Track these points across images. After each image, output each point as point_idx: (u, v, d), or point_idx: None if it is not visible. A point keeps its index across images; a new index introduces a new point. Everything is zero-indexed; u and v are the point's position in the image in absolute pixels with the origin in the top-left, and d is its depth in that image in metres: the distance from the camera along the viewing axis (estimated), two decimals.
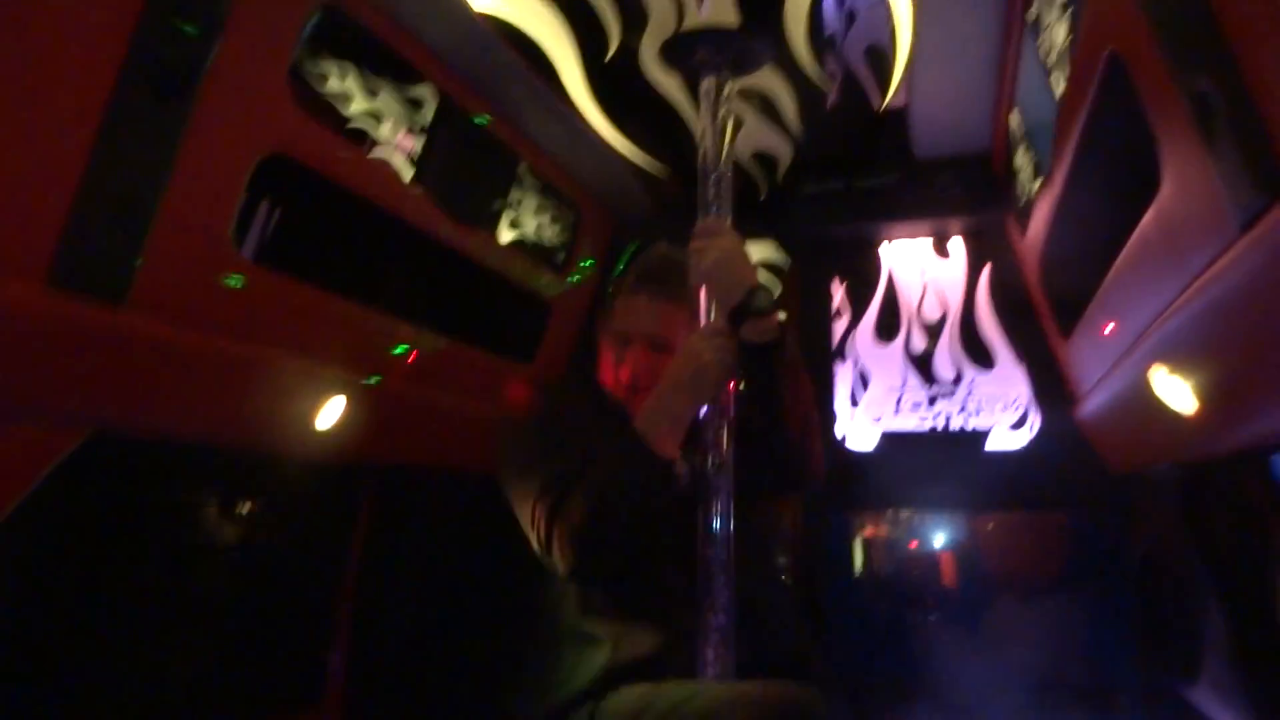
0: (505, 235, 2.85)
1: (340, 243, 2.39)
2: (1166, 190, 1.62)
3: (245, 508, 2.57)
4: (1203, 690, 2.60)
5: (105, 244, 1.57)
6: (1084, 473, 2.78)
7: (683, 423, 1.72)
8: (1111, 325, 2.04)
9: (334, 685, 2.76)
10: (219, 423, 2.06)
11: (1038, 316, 2.92)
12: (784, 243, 3.64)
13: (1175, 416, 1.94)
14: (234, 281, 1.86)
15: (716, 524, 1.72)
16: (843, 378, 3.43)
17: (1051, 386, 2.95)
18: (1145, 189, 1.70)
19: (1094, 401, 2.55)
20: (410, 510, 2.95)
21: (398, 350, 2.45)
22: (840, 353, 3.46)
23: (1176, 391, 1.76)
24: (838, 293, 3.54)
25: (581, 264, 3.29)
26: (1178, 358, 1.75)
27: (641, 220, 3.54)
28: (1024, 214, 2.82)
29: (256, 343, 2.00)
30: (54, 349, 1.57)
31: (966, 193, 3.25)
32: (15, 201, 1.42)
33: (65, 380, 1.62)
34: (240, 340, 1.95)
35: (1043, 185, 2.56)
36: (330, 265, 2.23)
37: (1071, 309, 2.48)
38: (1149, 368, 1.82)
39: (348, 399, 2.26)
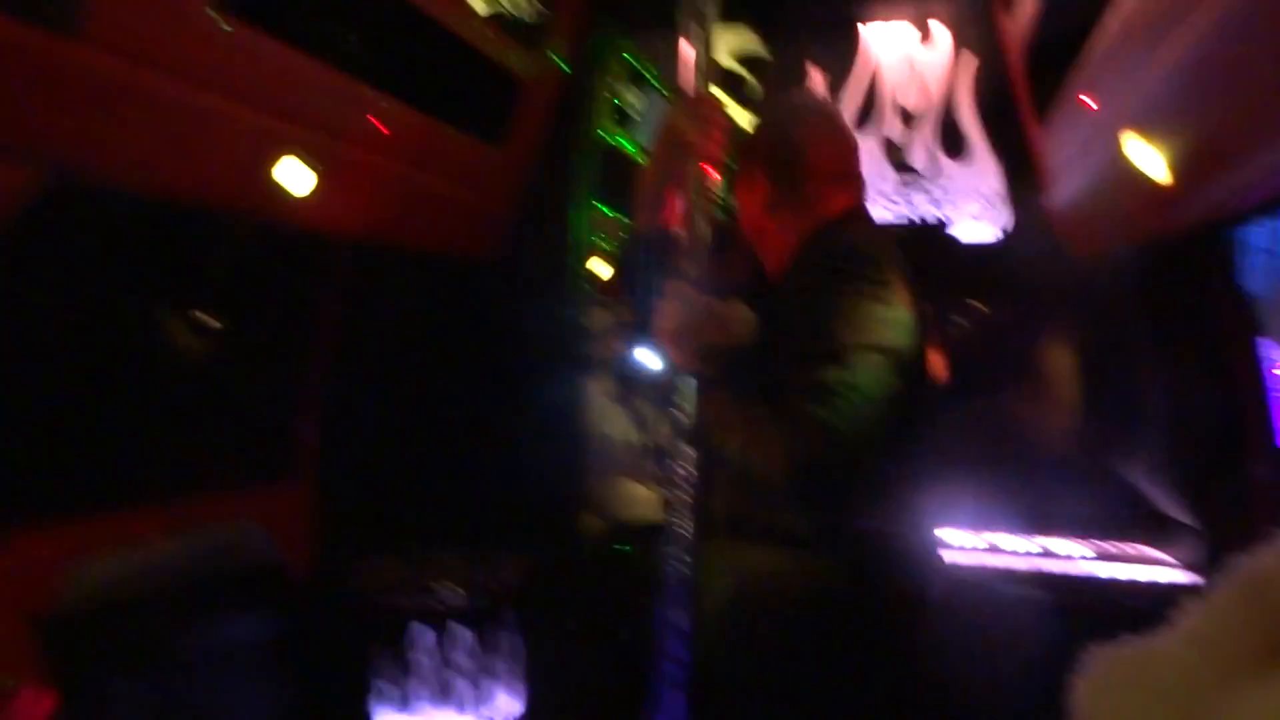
0: (479, 5, 2.73)
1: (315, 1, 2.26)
2: None
3: (214, 274, 2.55)
4: (1137, 466, 2.77)
5: None
6: (1051, 265, 2.81)
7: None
8: (1093, 99, 2.03)
9: (306, 458, 2.84)
10: (181, 175, 2.02)
11: (1016, 104, 2.89)
12: (760, 29, 3.52)
13: (1141, 192, 1.96)
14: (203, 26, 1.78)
15: None
16: None
17: (1025, 179, 2.96)
18: None
19: (1064, 187, 2.57)
20: (382, 288, 2.95)
21: (368, 117, 2.38)
22: None
23: (1149, 158, 1.77)
24: (817, 85, 3.45)
25: (558, 45, 3.18)
26: (1152, 124, 1.76)
27: (624, 7, 3.40)
28: None
29: (223, 93, 1.94)
30: (6, 78, 1.51)
31: None
32: None
33: (19, 112, 1.57)
34: (205, 88, 1.88)
35: None
36: (302, 22, 2.12)
37: (1051, 92, 2.45)
38: (1124, 136, 1.82)
39: (316, 164, 2.22)
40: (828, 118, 1.79)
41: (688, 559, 1.75)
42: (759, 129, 1.84)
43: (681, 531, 1.75)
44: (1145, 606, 2.53)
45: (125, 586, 1.98)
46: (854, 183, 1.69)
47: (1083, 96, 2.09)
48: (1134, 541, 2.77)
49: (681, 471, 1.74)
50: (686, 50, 1.69)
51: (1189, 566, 2.59)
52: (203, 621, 2.18)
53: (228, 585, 2.28)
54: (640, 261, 1.71)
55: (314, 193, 2.26)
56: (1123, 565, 2.66)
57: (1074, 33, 2.09)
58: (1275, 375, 2.27)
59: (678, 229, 1.66)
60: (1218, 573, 0.76)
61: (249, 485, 2.65)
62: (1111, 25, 1.86)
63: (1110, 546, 2.78)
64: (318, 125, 2.24)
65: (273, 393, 2.75)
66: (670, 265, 1.63)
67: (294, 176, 2.22)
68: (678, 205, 1.71)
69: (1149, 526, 2.74)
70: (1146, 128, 1.80)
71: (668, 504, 1.75)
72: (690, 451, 1.74)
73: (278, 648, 2.41)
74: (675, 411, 1.75)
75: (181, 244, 2.43)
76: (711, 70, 1.77)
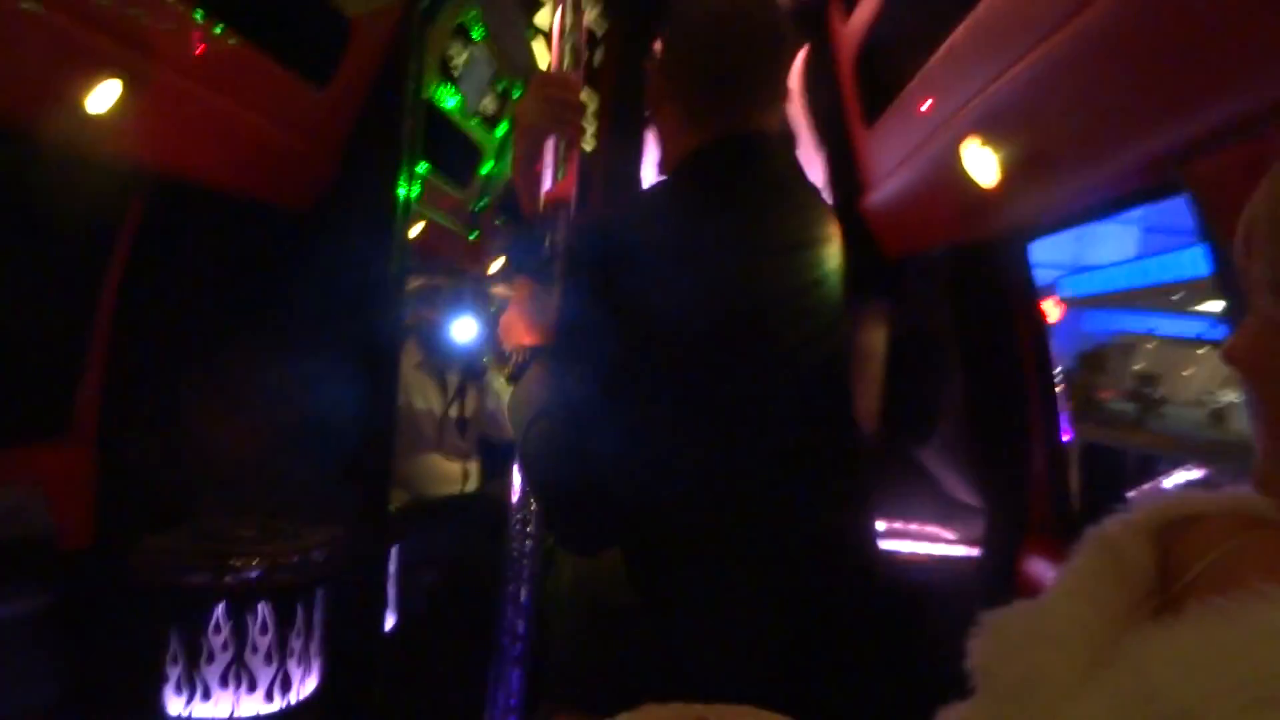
0: None
1: None
2: None
3: None
4: (932, 453, 3.00)
5: None
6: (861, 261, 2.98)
7: None
8: (930, 102, 2.15)
9: (86, 415, 2.53)
10: None
11: (843, 103, 3.03)
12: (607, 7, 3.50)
13: (963, 198, 2.11)
14: None
15: None
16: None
17: (846, 176, 3.11)
18: None
19: (885, 188, 2.73)
20: (181, 233, 2.67)
21: (181, 33, 2.13)
22: None
23: (983, 163, 1.90)
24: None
25: None
26: (988, 131, 1.89)
27: None
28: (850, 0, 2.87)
29: None
30: None
31: None
32: None
33: None
34: None
35: None
36: None
37: (882, 96, 2.58)
38: (960, 142, 1.94)
39: (122, 80, 1.96)
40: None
41: (531, 534, 1.72)
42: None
43: (528, 508, 1.71)
44: (934, 578, 2.78)
45: None
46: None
47: (921, 101, 2.21)
48: (923, 522, 3.01)
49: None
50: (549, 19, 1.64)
51: (970, 543, 2.85)
52: None
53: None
54: (529, 246, 1.63)
55: (112, 114, 2.00)
56: (913, 542, 2.90)
57: (921, 35, 2.20)
58: (1061, 377, 2.54)
59: (556, 203, 1.61)
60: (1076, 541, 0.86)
61: (20, 444, 2.33)
62: (959, 32, 1.98)
63: (902, 525, 3.01)
64: (129, 38, 1.98)
65: (53, 341, 2.43)
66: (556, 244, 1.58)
67: (95, 94, 1.95)
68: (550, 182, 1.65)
69: (937, 507, 2.99)
70: (982, 134, 1.93)
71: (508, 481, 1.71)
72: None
73: (51, 625, 2.13)
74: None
75: None
76: (575, 39, 1.73)
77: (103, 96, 1.96)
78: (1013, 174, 1.89)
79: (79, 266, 2.49)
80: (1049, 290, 13.10)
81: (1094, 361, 10.79)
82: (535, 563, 1.72)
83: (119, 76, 1.95)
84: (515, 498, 1.72)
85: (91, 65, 1.91)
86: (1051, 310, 12.95)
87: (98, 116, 1.96)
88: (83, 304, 2.49)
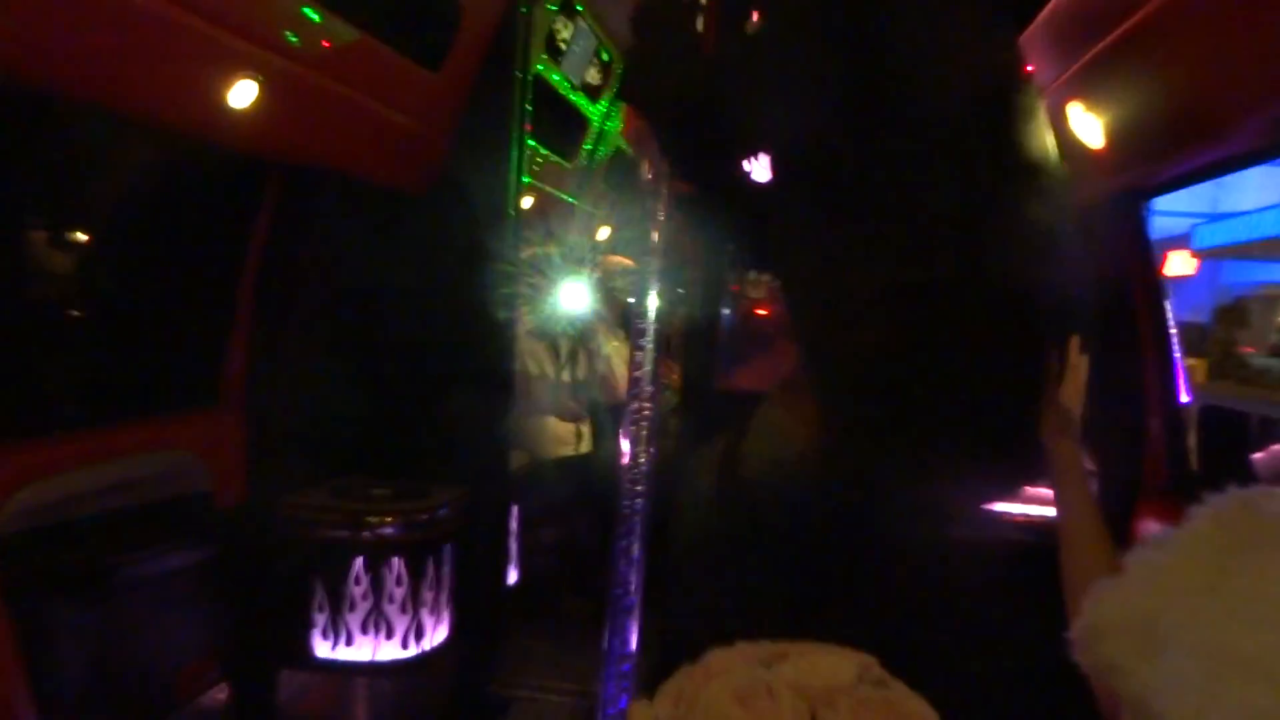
0: None
1: None
2: None
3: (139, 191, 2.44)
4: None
5: None
6: None
7: None
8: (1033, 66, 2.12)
9: (233, 388, 2.77)
10: (115, 80, 1.91)
11: None
12: None
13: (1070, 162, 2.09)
14: None
15: None
16: None
17: None
18: None
19: None
20: (313, 212, 2.86)
21: (305, 31, 2.28)
22: None
23: (1089, 126, 1.89)
24: None
25: None
26: (1088, 95, 1.87)
27: None
28: None
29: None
30: None
31: None
32: None
33: None
34: None
35: None
36: None
37: None
38: (1069, 105, 1.93)
39: (257, 78, 2.13)
40: None
41: (641, 490, 1.82)
42: None
43: (640, 464, 1.81)
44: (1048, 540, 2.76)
45: (60, 513, 1.92)
46: None
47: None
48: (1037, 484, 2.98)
49: (641, 408, 1.80)
50: None
51: None
52: (138, 548, 2.13)
53: (161, 513, 2.22)
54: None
55: (251, 109, 2.18)
56: (1025, 505, 2.88)
57: None
58: (1175, 339, 2.47)
59: None
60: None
61: (180, 413, 2.58)
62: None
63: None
64: (259, 38, 2.14)
65: (202, 319, 2.67)
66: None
67: (234, 91, 2.13)
68: None
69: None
70: (1083, 98, 1.91)
71: (631, 439, 1.80)
72: (647, 388, 1.79)
73: (211, 576, 2.38)
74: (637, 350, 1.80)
75: (100, 159, 2.32)
76: None
77: (241, 94, 2.14)
78: (1115, 137, 1.87)
79: (223, 247, 2.71)
80: (1182, 241, 12.37)
81: (1233, 316, 10.16)
82: (644, 520, 1.83)
83: (253, 77, 2.12)
84: (625, 458, 1.82)
85: (229, 66, 2.08)
86: (1185, 263, 12.24)
87: (237, 111, 2.14)
88: (228, 281, 2.71)
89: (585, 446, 4.18)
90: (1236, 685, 0.71)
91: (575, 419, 4.21)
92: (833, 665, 0.91)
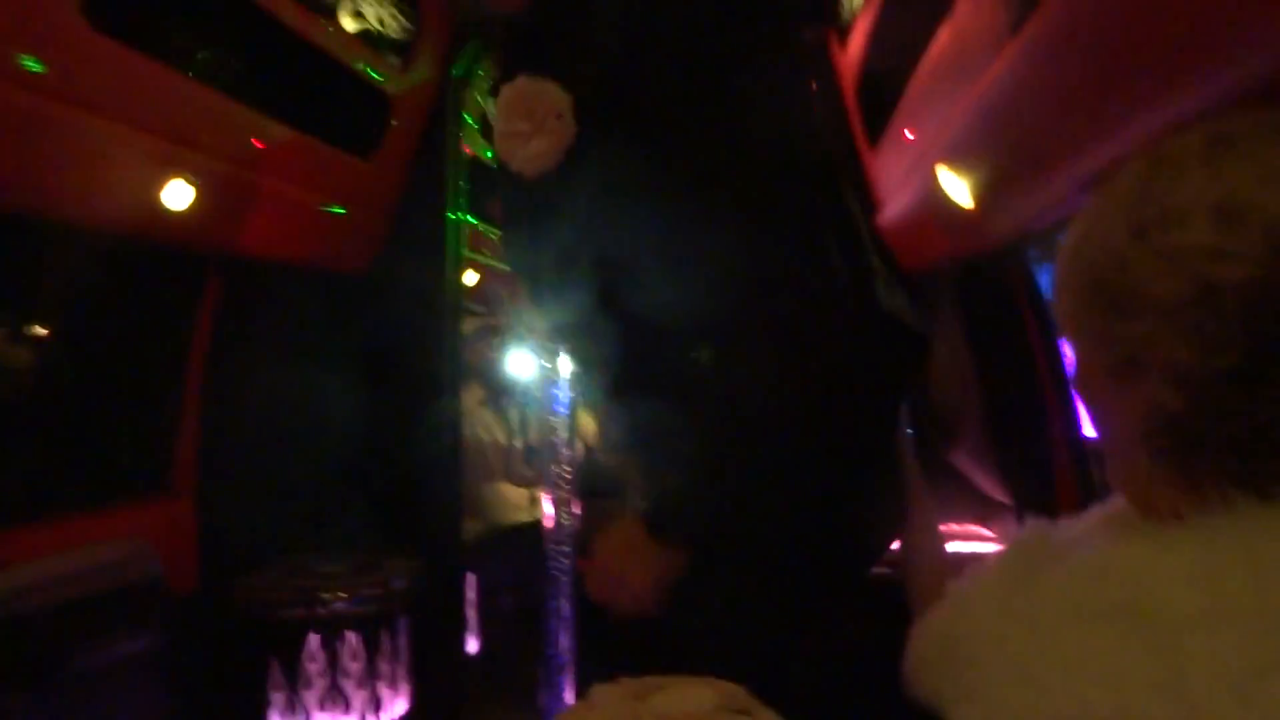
0: (348, 23, 2.81)
1: (182, 16, 2.30)
2: (961, 4, 1.85)
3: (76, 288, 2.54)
4: (962, 455, 3.11)
5: None
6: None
7: None
8: (909, 131, 2.30)
9: (186, 471, 2.84)
10: (46, 192, 2.03)
11: (851, 128, 3.18)
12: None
13: (954, 215, 2.25)
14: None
15: None
16: None
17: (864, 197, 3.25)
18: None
19: (892, 206, 2.87)
20: (255, 303, 2.97)
21: (237, 132, 2.43)
22: None
23: (958, 188, 2.05)
24: None
25: (425, 60, 3.27)
26: (959, 157, 2.04)
27: (482, 17, 3.51)
28: (845, 30, 3.03)
29: (91, 110, 1.96)
30: None
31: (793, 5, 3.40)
32: None
33: None
34: (70, 104, 1.90)
35: (865, 3, 2.76)
36: (170, 39, 2.16)
37: (880, 120, 2.74)
38: (937, 168, 2.09)
39: (193, 181, 2.26)
40: None
41: (566, 550, 1.93)
42: None
43: (564, 525, 1.92)
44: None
45: (9, 607, 1.98)
46: None
47: (904, 129, 2.37)
48: (966, 522, 3.13)
49: (562, 472, 1.92)
50: None
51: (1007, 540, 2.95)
52: (89, 638, 2.18)
53: (113, 601, 2.28)
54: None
55: (185, 209, 2.30)
56: (961, 542, 3.02)
57: (906, 65, 2.37)
58: (1070, 372, 2.63)
59: None
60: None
61: (132, 501, 2.65)
62: (924, 66, 2.14)
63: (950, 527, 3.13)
64: (193, 142, 2.28)
65: (151, 408, 2.75)
66: None
67: (169, 193, 2.25)
68: None
69: (976, 506, 3.10)
70: (954, 157, 2.08)
71: (554, 502, 1.91)
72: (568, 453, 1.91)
73: (165, 662, 2.43)
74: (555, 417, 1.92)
75: (36, 258, 2.43)
76: None
77: (175, 195, 2.26)
78: (987, 193, 2.04)
79: (169, 337, 2.80)
80: None
81: None
82: (572, 580, 1.93)
83: (187, 178, 2.24)
84: (548, 521, 1.93)
85: (161, 170, 2.20)
86: None
87: (172, 212, 2.26)
88: (175, 372, 2.80)
89: (539, 511, 4.26)
90: (1010, 690, 0.82)
91: (529, 484, 4.30)
92: (697, 695, 1.02)
